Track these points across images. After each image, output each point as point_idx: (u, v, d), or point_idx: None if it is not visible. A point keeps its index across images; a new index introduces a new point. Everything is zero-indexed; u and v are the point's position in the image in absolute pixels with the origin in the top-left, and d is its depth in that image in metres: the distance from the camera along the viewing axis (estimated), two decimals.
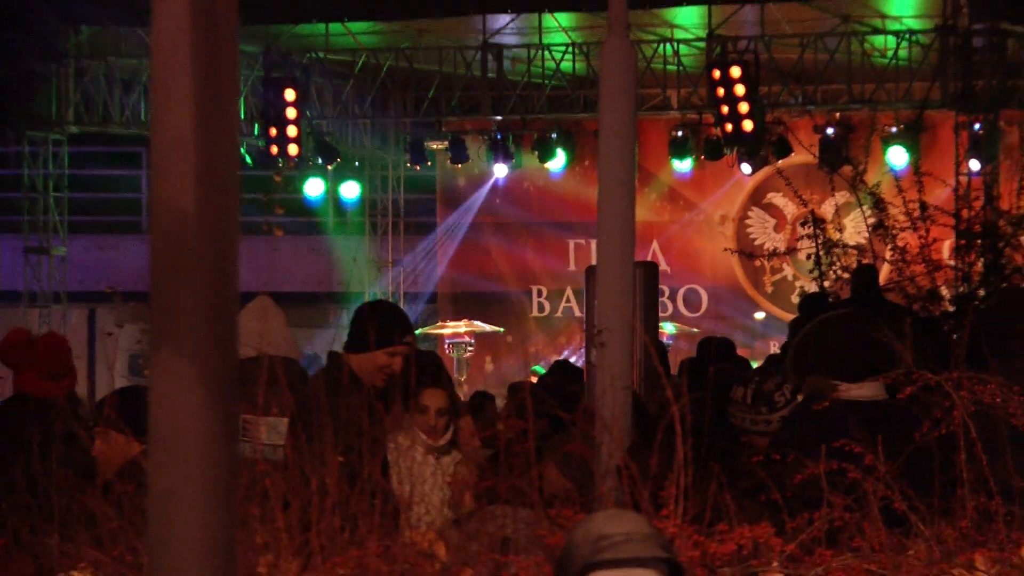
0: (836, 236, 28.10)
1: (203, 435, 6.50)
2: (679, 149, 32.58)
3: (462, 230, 35.24)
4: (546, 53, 33.60)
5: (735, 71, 30.82)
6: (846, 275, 23.93)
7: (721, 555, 9.24)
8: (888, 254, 26.49)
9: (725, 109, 30.91)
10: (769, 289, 32.78)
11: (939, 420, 10.29)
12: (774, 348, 26.10)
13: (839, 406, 13.62)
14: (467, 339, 32.45)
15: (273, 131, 32.37)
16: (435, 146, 34.10)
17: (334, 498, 10.42)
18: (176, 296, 6.54)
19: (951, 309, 22.50)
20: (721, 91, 30.87)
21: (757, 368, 20.61)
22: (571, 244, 33.95)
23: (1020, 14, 32.87)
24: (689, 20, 31.49)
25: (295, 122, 32.85)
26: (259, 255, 29.53)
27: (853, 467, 9.63)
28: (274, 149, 32.46)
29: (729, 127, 30.95)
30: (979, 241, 28.03)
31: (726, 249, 33.57)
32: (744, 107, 30.65)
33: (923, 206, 26.97)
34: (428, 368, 16.18)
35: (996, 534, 9.13)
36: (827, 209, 28.98)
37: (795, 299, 27.19)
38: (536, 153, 33.88)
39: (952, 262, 27.54)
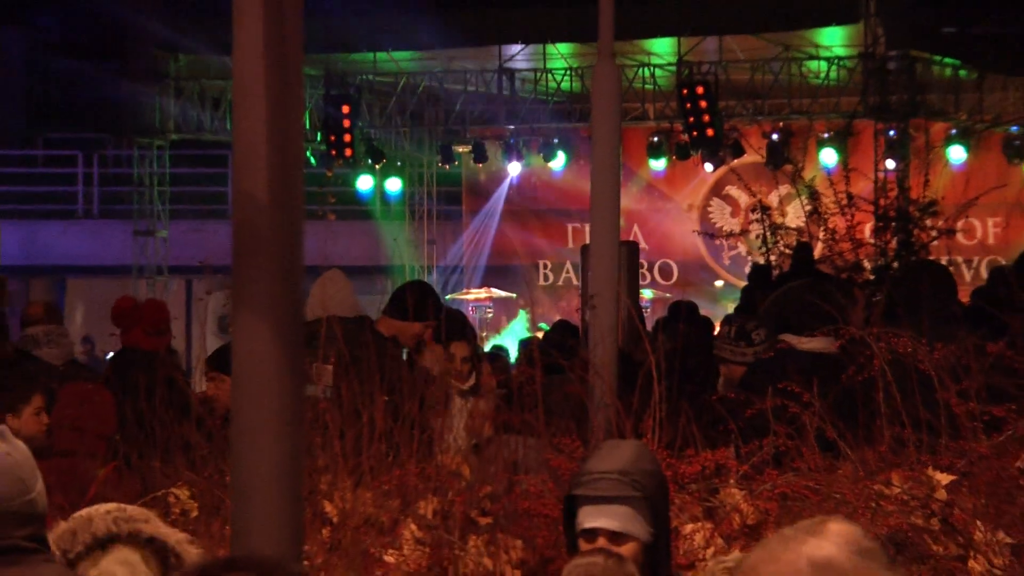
0: (780, 220, 28.03)
1: (275, 379, 6.49)
2: (655, 151, 32.59)
3: (483, 216, 35.24)
4: (549, 75, 33.63)
5: (699, 89, 30.87)
6: (788, 251, 23.91)
7: (689, 474, 9.23)
8: (821, 234, 26.44)
9: (691, 120, 30.94)
10: (727, 262, 32.72)
11: (862, 366, 10.27)
12: (729, 309, 26.02)
13: (792, 355, 13.68)
14: (487, 303, 32.38)
15: (332, 138, 32.45)
16: (461, 149, 34.09)
17: (380, 429, 10.42)
18: (253, 269, 6.53)
19: (871, 278, 22.46)
20: (688, 105, 30.93)
21: (737, 310, 20.61)
22: (569, 227, 33.85)
23: (924, 44, 32.80)
24: (663, 49, 31.47)
25: (349, 130, 32.88)
26: (321, 236, 29.43)
27: (793, 403, 9.61)
28: (332, 152, 32.60)
29: (695, 134, 30.99)
30: (893, 224, 27.97)
31: (693, 231, 33.59)
32: (706, 118, 30.69)
33: (849, 196, 26.91)
34: (455, 325, 16.18)
35: (908, 457, 9.10)
36: (772, 199, 28.91)
37: (747, 270, 27.13)
38: (541, 155, 33.90)
39: (872, 240, 27.44)
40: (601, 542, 7.28)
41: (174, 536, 7.34)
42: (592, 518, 7.43)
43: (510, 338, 26.56)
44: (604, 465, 7.62)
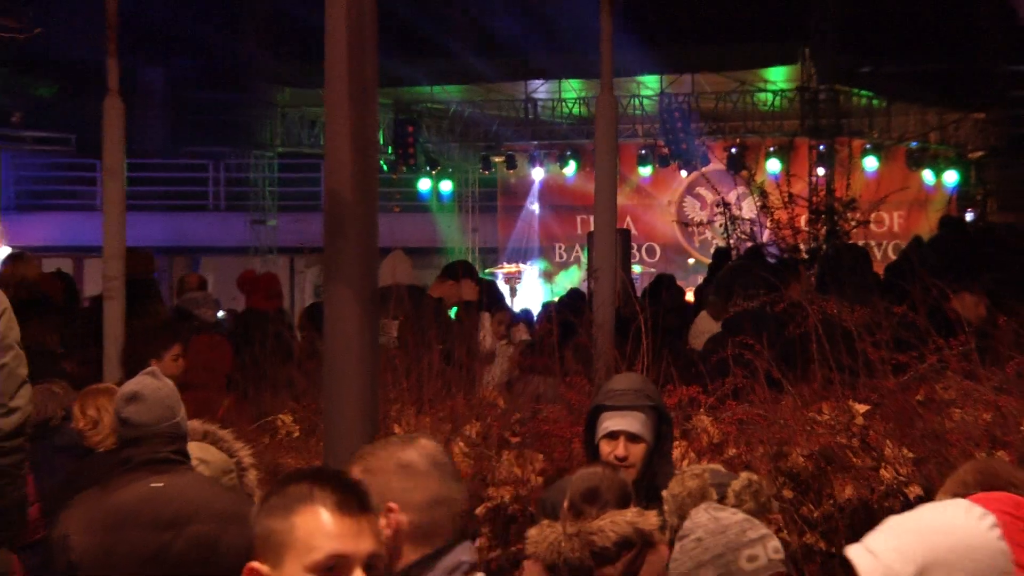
0: (737, 213, 27.99)
1: (355, 332, 6.48)
2: (643, 161, 32.43)
3: (513, 210, 35.13)
4: (563, 104, 33.60)
5: (676, 114, 30.83)
6: (744, 236, 23.91)
7: (669, 405, 9.18)
8: (768, 224, 26.39)
9: (670, 137, 30.88)
10: (697, 245, 32.49)
11: (800, 324, 10.25)
12: (699, 281, 25.91)
13: (745, 314, 13.67)
14: (517, 275, 32.28)
15: (399, 150, 32.45)
16: (496, 159, 33.94)
17: (436, 370, 10.41)
18: (339, 249, 6.52)
19: (806, 257, 22.38)
20: (668, 126, 30.86)
21: (704, 281, 20.59)
22: (578, 219, 33.62)
23: (846, 80, 32.66)
24: (650, 83, 31.42)
25: (412, 144, 32.89)
26: (389, 225, 29.28)
27: (748, 352, 9.58)
28: (399, 161, 32.63)
29: (673, 148, 30.94)
30: (823, 216, 27.89)
31: (672, 221, 33.44)
32: (682, 135, 30.63)
33: (790, 195, 26.84)
34: (494, 292, 16.40)
35: (835, 392, 9.07)
36: (732, 197, 28.80)
37: (712, 251, 27.02)
38: (558, 164, 33.81)
39: (807, 229, 27.37)
40: (621, 442, 7.32)
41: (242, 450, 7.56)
42: (615, 423, 7.44)
43: (534, 302, 26.44)
44: (623, 384, 7.72)
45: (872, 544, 4.60)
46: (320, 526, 3.89)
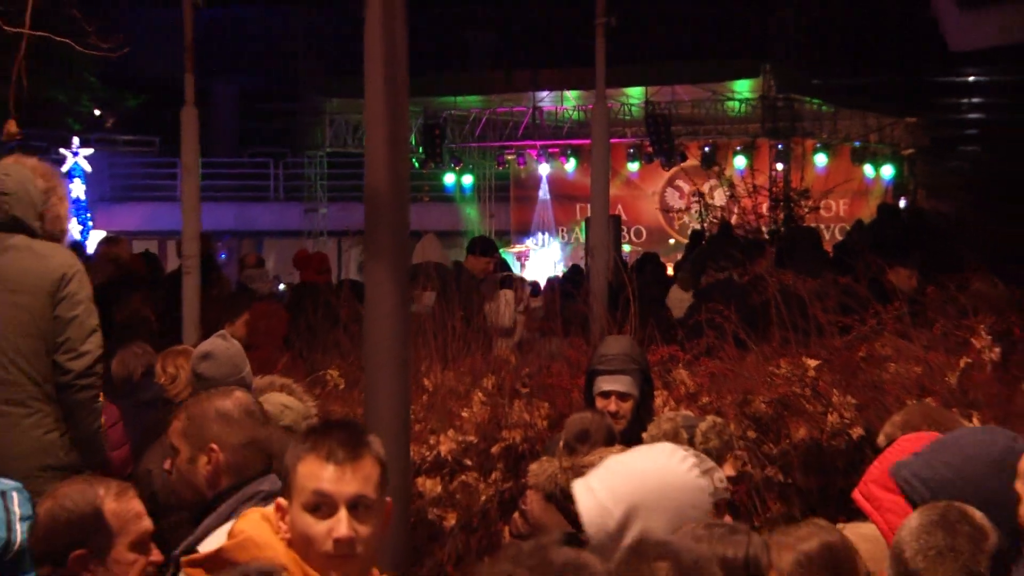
0: (710, 201, 27.95)
1: (391, 302, 6.45)
2: (631, 158, 32.29)
3: (524, 200, 34.99)
4: (565, 111, 33.55)
5: (659, 119, 30.71)
6: (716, 221, 23.93)
7: (652, 361, 9.17)
8: (736, 210, 26.33)
9: (654, 138, 30.73)
10: (676, 228, 32.36)
11: (762, 293, 10.25)
12: (677, 258, 25.87)
13: (716, 284, 13.75)
14: (526, 253, 32.18)
15: (428, 150, 32.34)
16: (509, 157, 33.82)
17: (459, 332, 10.39)
18: (378, 233, 6.49)
19: (767, 238, 22.32)
20: (652, 129, 30.73)
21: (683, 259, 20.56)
22: (577, 207, 33.31)
23: (800, 90, 32.57)
24: (636, 94, 31.22)
25: (439, 145, 32.72)
26: (421, 212, 29.35)
27: (718, 316, 9.56)
28: (428, 159, 32.52)
29: (656, 147, 30.83)
30: (780, 203, 27.84)
31: (655, 208, 33.39)
32: (664, 137, 30.53)
33: (754, 187, 26.86)
34: (507, 268, 16.46)
35: (791, 350, 9.04)
36: (705, 188, 28.72)
37: (688, 233, 26.97)
38: (560, 161, 33.75)
39: (767, 214, 27.32)
40: (612, 399, 7.47)
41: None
42: (608, 384, 7.56)
43: (540, 276, 26.37)
44: (614, 350, 7.76)
45: (592, 482, 4.65)
46: (310, 471, 3.94)
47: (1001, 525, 4.36)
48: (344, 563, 3.90)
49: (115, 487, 4.58)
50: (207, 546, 4.79)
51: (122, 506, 4.49)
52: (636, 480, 4.58)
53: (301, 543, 3.89)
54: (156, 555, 4.54)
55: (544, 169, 35.11)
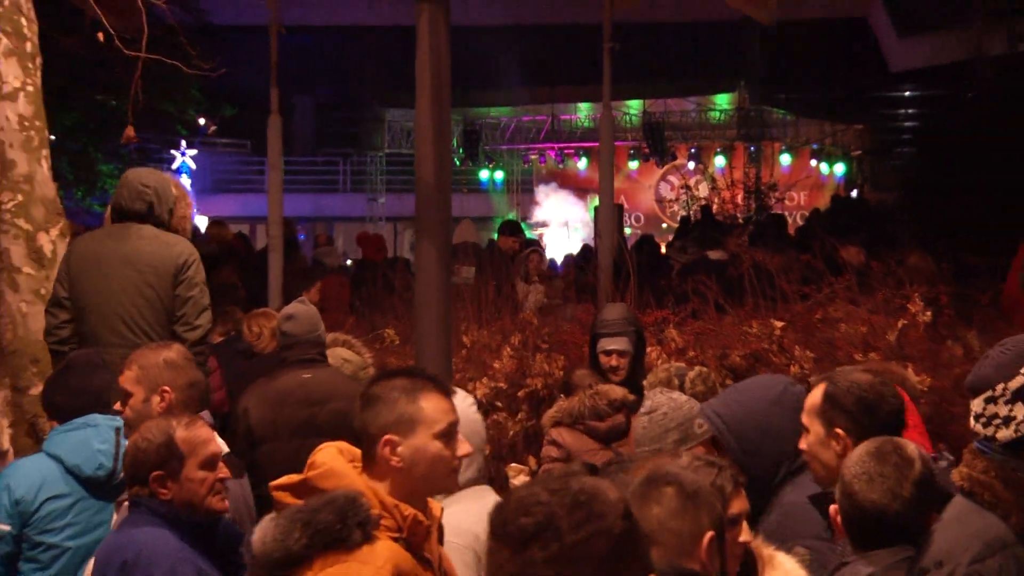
0: (696, 193, 27.96)
1: (436, 274, 6.42)
2: (631, 157, 32.32)
3: (544, 192, 34.97)
4: (578, 119, 33.61)
5: (654, 126, 30.74)
6: (697, 209, 24.03)
7: (648, 322, 9.16)
8: (716, 200, 26.29)
9: (650, 141, 30.77)
10: (668, 214, 32.32)
11: (739, 267, 10.25)
12: (669, 239, 25.90)
13: (703, 261, 13.75)
14: (546, 234, 32.24)
15: (467, 151, 32.43)
16: (532, 156, 33.86)
17: (491, 298, 10.40)
18: (427, 218, 6.47)
19: (742, 222, 22.28)
20: (649, 133, 30.78)
21: (673, 239, 20.54)
22: (588, 197, 33.27)
23: (768, 102, 32.49)
24: (635, 105, 31.33)
25: (475, 147, 32.89)
26: (460, 201, 29.24)
27: (703, 286, 9.56)
28: (467, 158, 32.61)
29: (652, 148, 30.85)
30: (753, 194, 27.79)
31: (652, 198, 33.35)
32: (658, 140, 30.57)
33: (731, 181, 26.88)
34: (531, 244, 16.47)
35: (761, 313, 9.04)
36: (692, 182, 28.81)
37: (678, 219, 27.01)
38: (574, 160, 33.75)
39: (742, 203, 27.27)
40: (613, 356, 7.42)
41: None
42: (609, 344, 7.48)
43: (557, 254, 26.35)
44: (613, 315, 7.70)
45: None
46: (439, 407, 3.90)
47: (778, 451, 4.70)
48: (455, 477, 3.99)
49: (185, 420, 4.61)
50: None
51: (191, 434, 4.52)
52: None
53: (420, 468, 3.85)
54: (223, 472, 4.54)
55: (561, 167, 35.11)
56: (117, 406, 5.46)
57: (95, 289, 6.85)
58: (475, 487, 5.04)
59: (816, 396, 4.62)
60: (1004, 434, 3.83)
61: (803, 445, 4.61)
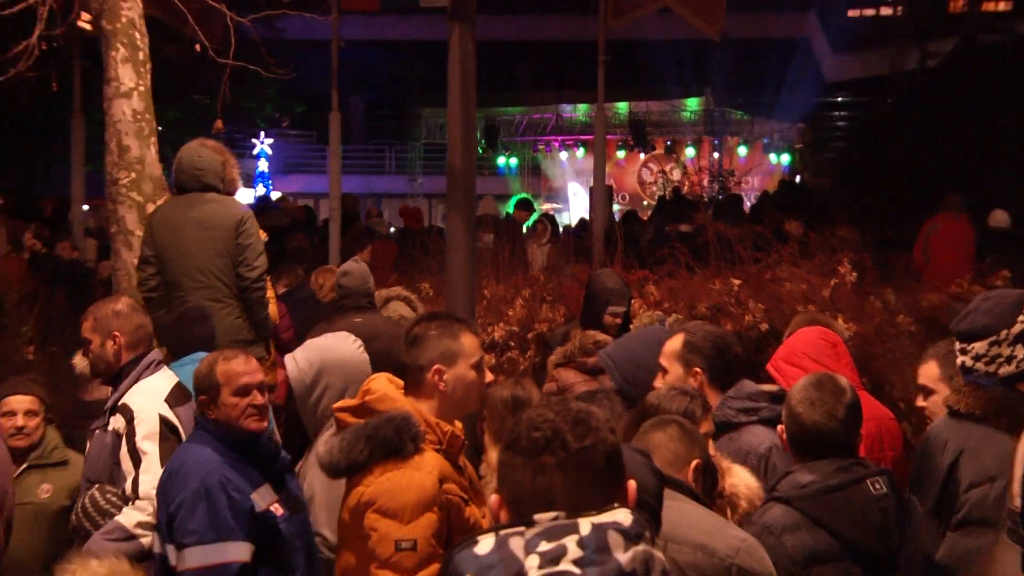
0: (670, 177, 27.84)
1: (463, 239, 6.40)
2: (620, 148, 32.11)
3: (552, 176, 34.96)
4: (577, 116, 33.39)
5: (638, 124, 30.51)
6: (672, 190, 23.83)
7: (632, 280, 9.11)
8: (686, 182, 26.18)
9: (634, 135, 30.52)
10: (648, 194, 32.16)
11: (704, 236, 10.19)
12: (649, 213, 25.87)
13: (676, 233, 13.69)
14: (551, 211, 32.06)
15: (488, 142, 32.21)
16: (540, 147, 33.71)
17: (505, 261, 10.36)
18: (456, 193, 6.43)
19: (707, 201, 22.17)
20: (633, 129, 30.58)
21: (651, 216, 20.44)
22: (585, 180, 33.35)
23: (730, 105, 32.31)
24: (623, 106, 31.15)
25: (495, 139, 32.66)
26: (482, 182, 29.33)
27: (677, 251, 9.51)
28: (488, 147, 32.42)
29: (636, 141, 30.63)
30: (716, 179, 27.65)
31: (636, 181, 33.05)
32: (640, 134, 30.34)
33: (699, 167, 26.74)
34: (546, 222, 16.35)
35: (723, 273, 8.97)
36: (667, 168, 28.64)
37: (656, 198, 26.89)
38: (574, 150, 33.59)
39: (707, 186, 27.13)
40: (619, 317, 7.24)
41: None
42: (618, 309, 7.26)
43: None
44: (618, 286, 7.50)
45: (296, 354, 5.06)
46: (473, 343, 3.91)
47: (650, 382, 4.75)
48: (481, 400, 4.16)
49: (229, 355, 4.58)
50: (130, 398, 5.04)
51: (227, 367, 4.47)
52: (323, 352, 5.02)
53: (459, 392, 3.87)
54: (256, 399, 4.49)
55: (564, 156, 34.82)
56: (79, 353, 5.43)
57: (174, 247, 6.89)
58: None
59: (676, 344, 4.75)
60: (1006, 370, 3.91)
61: (659, 383, 4.69)
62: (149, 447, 4.84)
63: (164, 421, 4.94)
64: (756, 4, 30.88)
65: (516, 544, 1.90)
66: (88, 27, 8.02)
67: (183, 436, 4.93)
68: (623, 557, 1.88)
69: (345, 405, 3.86)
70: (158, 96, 7.97)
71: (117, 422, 4.93)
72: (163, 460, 4.78)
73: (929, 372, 4.56)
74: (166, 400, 5.03)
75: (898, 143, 18.31)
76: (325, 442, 3.80)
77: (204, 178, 6.98)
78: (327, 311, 8.11)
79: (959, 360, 4.04)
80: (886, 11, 34.30)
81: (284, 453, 4.69)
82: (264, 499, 4.44)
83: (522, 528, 1.93)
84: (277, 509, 4.46)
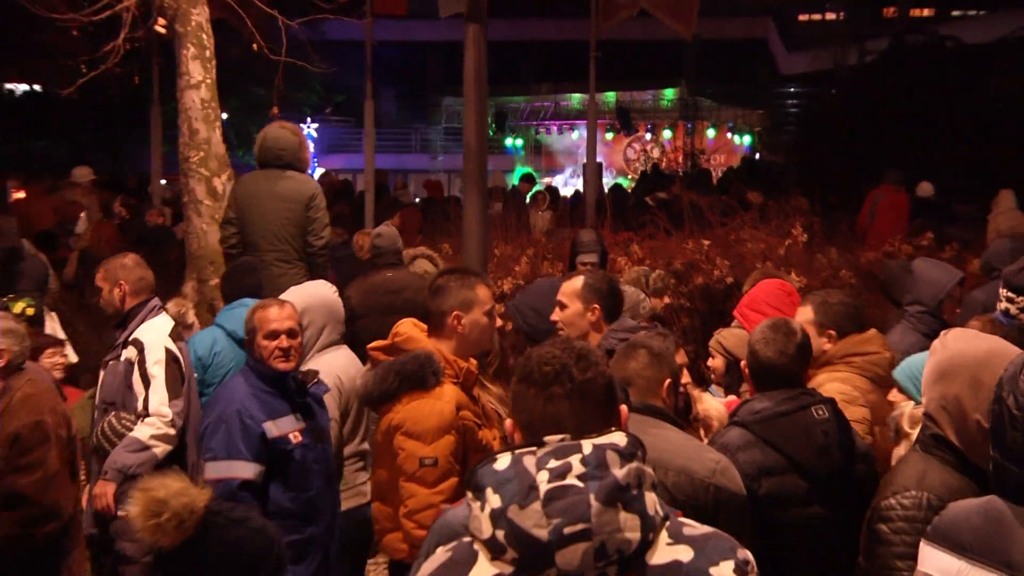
0: (651, 155, 27.66)
1: (477, 207, 6.36)
2: (608, 131, 31.77)
3: (549, 154, 34.82)
4: (571, 105, 33.20)
5: (624, 110, 30.30)
6: (652, 166, 23.69)
7: (618, 240, 9.08)
8: (664, 160, 26.03)
9: (620, 120, 30.27)
10: (632, 170, 31.94)
11: (679, 203, 10.14)
12: (633, 186, 25.78)
13: (656, 201, 13.56)
14: (551, 184, 32.02)
15: (498, 125, 32.01)
16: (541, 130, 33.54)
17: (512, 226, 10.33)
18: (470, 170, 6.39)
19: (682, 175, 22.03)
20: (620, 115, 30.36)
21: (636, 186, 20.29)
22: (578, 158, 33.21)
23: (702, 95, 32.04)
24: (611, 95, 30.91)
25: (503, 123, 32.42)
26: (492, 160, 29.28)
27: (655, 216, 9.47)
28: (497, 130, 32.19)
29: (622, 124, 30.37)
30: (689, 156, 27.51)
31: (623, 159, 32.74)
32: (626, 119, 30.12)
33: (675, 147, 26.57)
34: (546, 192, 16.20)
35: (696, 235, 8.94)
36: (648, 148, 28.46)
37: (639, 173, 26.78)
38: (569, 132, 33.42)
39: (682, 162, 26.99)
40: (588, 266, 7.18)
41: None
42: (585, 258, 7.30)
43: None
44: (587, 238, 7.58)
45: (289, 296, 5.01)
46: (487, 293, 3.92)
47: (550, 325, 4.71)
48: (492, 341, 4.12)
49: (266, 304, 4.60)
50: (140, 333, 5.07)
51: (263, 314, 4.49)
52: (308, 298, 5.06)
53: (474, 334, 3.89)
54: (283, 342, 4.47)
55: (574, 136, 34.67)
56: (94, 299, 5.41)
57: (255, 214, 6.90)
58: (336, 346, 5.18)
59: (576, 283, 4.68)
60: None
61: (556, 317, 4.67)
62: (157, 371, 4.94)
63: (168, 352, 5.03)
64: (722, 9, 30.64)
65: (529, 462, 1.92)
66: (163, 30, 8.06)
67: (183, 365, 5.10)
68: (619, 472, 1.90)
69: (378, 345, 3.87)
70: (221, 87, 7.97)
71: (129, 352, 5.02)
72: (168, 382, 4.94)
73: (804, 315, 4.58)
74: (169, 335, 5.13)
75: (840, 127, 18.30)
76: (361, 376, 3.84)
77: (284, 157, 6.97)
78: (364, 266, 8.12)
79: (1002, 305, 4.00)
80: (831, 16, 34.50)
81: (315, 389, 4.66)
82: (280, 428, 4.42)
83: (534, 448, 1.94)
84: (296, 437, 4.45)
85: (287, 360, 4.49)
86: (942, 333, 2.98)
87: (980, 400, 2.65)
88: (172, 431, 4.89)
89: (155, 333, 5.07)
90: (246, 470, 4.28)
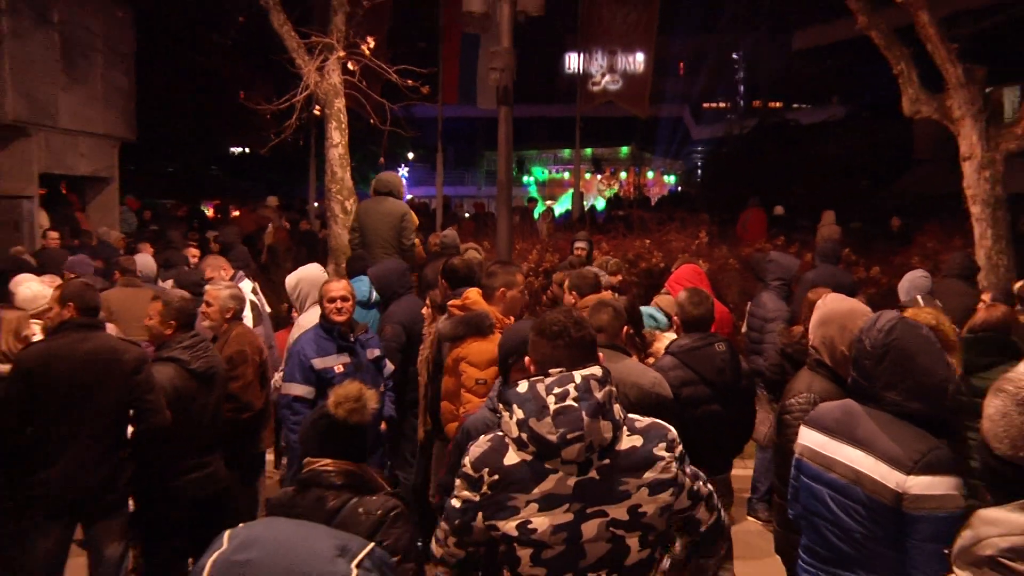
0: (613, 187, 27.24)
1: (505, 220, 6.14)
2: (587, 173, 31.46)
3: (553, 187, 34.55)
4: (563, 155, 32.76)
5: (597, 159, 29.79)
6: (614, 195, 23.35)
7: (596, 240, 8.93)
8: (621, 191, 25.68)
9: (595, 165, 29.70)
10: (602, 195, 31.66)
11: (635, 219, 9.96)
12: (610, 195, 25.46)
13: (616, 215, 13.23)
14: (554, 199, 31.63)
15: (518, 169, 31.45)
16: (546, 171, 33.36)
17: (527, 231, 10.13)
18: (502, 196, 6.24)
19: (632, 200, 21.77)
20: (594, 163, 29.83)
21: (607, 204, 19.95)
22: (567, 187, 32.87)
23: (645, 150, 31.49)
24: (588, 151, 30.38)
25: (521, 168, 31.93)
26: (513, 191, 29.08)
27: (619, 225, 9.31)
28: (518, 172, 31.73)
29: (595, 168, 29.91)
30: (637, 189, 27.03)
31: (597, 191, 32.22)
32: (598, 165, 29.61)
33: (630, 183, 26.08)
34: (548, 210, 15.84)
35: (643, 239, 8.77)
36: (612, 183, 27.99)
37: (607, 199, 26.46)
38: (564, 173, 33.06)
39: (633, 193, 26.62)
40: (581, 248, 6.94)
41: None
42: (579, 243, 7.13)
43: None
44: (581, 234, 7.37)
45: (291, 279, 4.53)
46: (521, 277, 3.76)
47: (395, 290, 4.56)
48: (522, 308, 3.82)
49: (332, 279, 4.30)
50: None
51: (327, 286, 4.18)
52: (302, 272, 4.70)
53: (514, 303, 3.72)
54: (337, 304, 4.04)
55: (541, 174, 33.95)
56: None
57: (370, 224, 6.75)
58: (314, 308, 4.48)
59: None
60: None
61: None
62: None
63: (252, 304, 5.07)
64: (660, 99, 30.15)
65: (540, 387, 1.89)
66: (317, 112, 8.23)
67: (261, 309, 5.20)
68: (599, 395, 1.88)
69: (455, 303, 3.82)
70: (351, 146, 8.01)
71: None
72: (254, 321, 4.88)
73: (665, 301, 4.51)
74: (251, 291, 5.19)
75: (729, 171, 19.09)
76: (442, 324, 3.75)
77: (388, 188, 6.82)
78: (437, 257, 8.01)
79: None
80: (723, 104, 34.74)
81: (364, 336, 4.21)
82: (325, 362, 4.04)
83: (543, 377, 1.91)
84: (339, 368, 4.04)
85: (340, 315, 4.21)
86: (822, 296, 2.91)
87: (845, 338, 2.62)
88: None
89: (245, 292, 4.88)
90: (297, 389, 4.01)
